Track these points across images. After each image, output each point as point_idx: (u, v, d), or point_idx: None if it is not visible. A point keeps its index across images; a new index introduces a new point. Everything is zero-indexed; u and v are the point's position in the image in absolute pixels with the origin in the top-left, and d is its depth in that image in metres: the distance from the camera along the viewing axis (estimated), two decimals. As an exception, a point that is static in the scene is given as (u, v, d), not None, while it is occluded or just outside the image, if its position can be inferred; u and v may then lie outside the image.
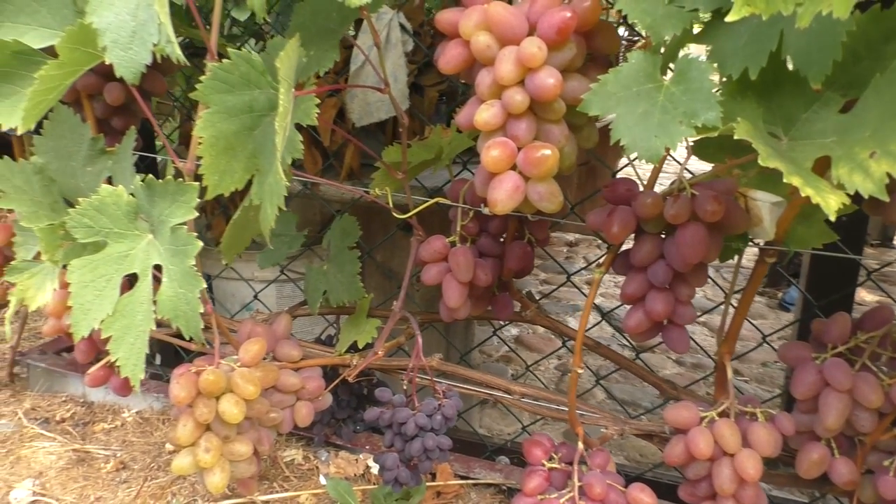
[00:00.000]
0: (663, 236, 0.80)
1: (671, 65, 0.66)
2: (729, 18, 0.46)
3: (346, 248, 1.06)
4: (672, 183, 0.81)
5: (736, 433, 0.80)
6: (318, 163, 1.34)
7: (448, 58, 0.73)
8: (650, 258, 0.80)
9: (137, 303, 0.64)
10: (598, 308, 2.44)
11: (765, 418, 0.82)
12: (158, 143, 1.62)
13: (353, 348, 1.06)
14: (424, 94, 1.35)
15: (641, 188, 0.82)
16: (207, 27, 0.67)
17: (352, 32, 1.24)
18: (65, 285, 0.85)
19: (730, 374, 0.85)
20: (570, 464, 0.93)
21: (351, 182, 1.32)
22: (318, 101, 0.68)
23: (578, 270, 1.41)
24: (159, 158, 1.43)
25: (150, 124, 1.33)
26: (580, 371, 0.90)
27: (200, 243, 0.61)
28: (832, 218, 0.51)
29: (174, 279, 0.63)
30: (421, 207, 0.93)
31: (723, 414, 0.84)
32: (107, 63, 0.62)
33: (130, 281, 0.65)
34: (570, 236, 3.43)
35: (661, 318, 0.83)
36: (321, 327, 1.54)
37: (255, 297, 1.41)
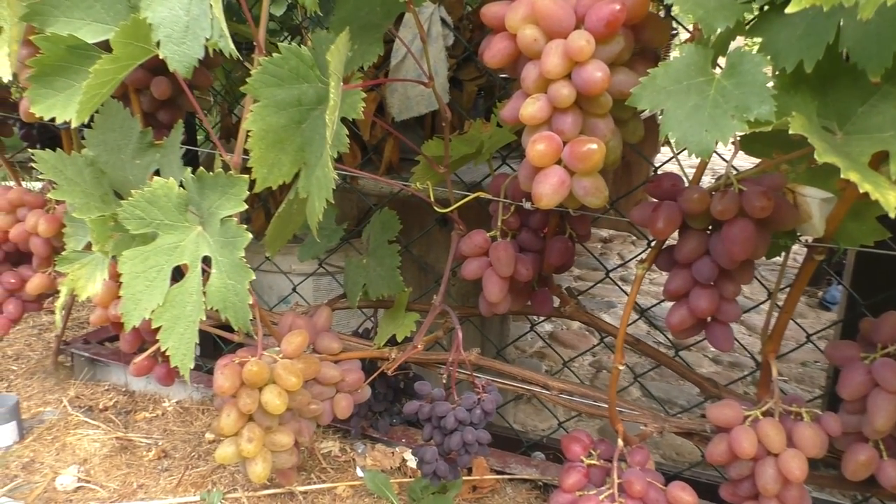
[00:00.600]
0: (709, 232, 0.79)
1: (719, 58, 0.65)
2: (790, 9, 0.45)
3: (386, 241, 1.06)
4: (718, 178, 0.79)
5: (781, 433, 0.79)
6: (358, 157, 1.34)
7: (494, 51, 0.72)
8: (695, 254, 0.79)
9: (187, 293, 0.65)
10: (634, 307, 2.42)
11: (810, 418, 0.81)
12: (199, 136, 1.64)
13: (392, 341, 1.07)
14: (463, 89, 1.35)
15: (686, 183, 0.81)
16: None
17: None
18: (113, 276, 0.87)
19: (775, 372, 0.84)
20: (609, 461, 0.92)
21: (390, 176, 1.32)
22: (364, 95, 0.69)
23: (617, 267, 1.40)
24: (200, 151, 1.45)
25: (191, 117, 1.35)
26: (621, 368, 0.89)
27: (250, 235, 0.62)
28: (892, 214, 0.50)
29: (223, 270, 0.63)
30: (462, 202, 0.93)
31: (767, 413, 0.83)
32: (160, 57, 0.63)
33: (180, 272, 0.66)
34: (605, 232, 3.41)
35: (705, 316, 0.82)
36: (357, 320, 1.55)
37: (294, 289, 1.42)
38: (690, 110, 0.60)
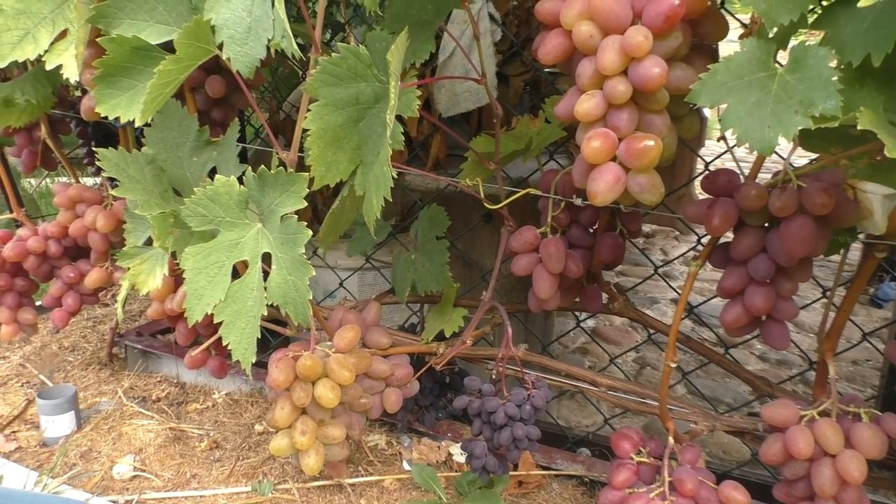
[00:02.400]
0: (765, 229, 0.78)
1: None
2: (863, 3, 0.44)
3: (435, 237, 1.07)
4: (775, 174, 0.78)
5: (839, 433, 0.78)
6: (405, 153, 1.35)
7: (548, 48, 0.72)
8: (751, 252, 0.78)
9: (248, 289, 0.66)
10: (677, 302, 2.39)
11: (869, 419, 0.79)
12: (246, 133, 1.66)
13: (439, 337, 1.07)
14: (510, 84, 1.35)
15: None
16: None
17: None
18: (171, 271, 0.89)
19: (832, 372, 0.83)
20: (659, 458, 0.92)
21: (436, 172, 1.33)
22: (419, 93, 0.69)
23: (666, 263, 1.38)
24: (249, 147, 1.47)
25: (239, 114, 1.36)
26: (673, 365, 0.88)
27: (310, 232, 0.63)
28: (966, 212, 0.48)
29: (283, 267, 0.65)
30: (513, 198, 0.93)
31: (823, 413, 0.81)
32: (224, 58, 0.65)
33: (240, 268, 0.68)
34: (647, 227, 3.36)
35: (761, 314, 0.81)
36: (401, 314, 1.56)
37: (341, 284, 1.44)
38: (752, 106, 0.59)
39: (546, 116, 1.01)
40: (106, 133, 1.48)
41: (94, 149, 1.45)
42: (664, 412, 0.92)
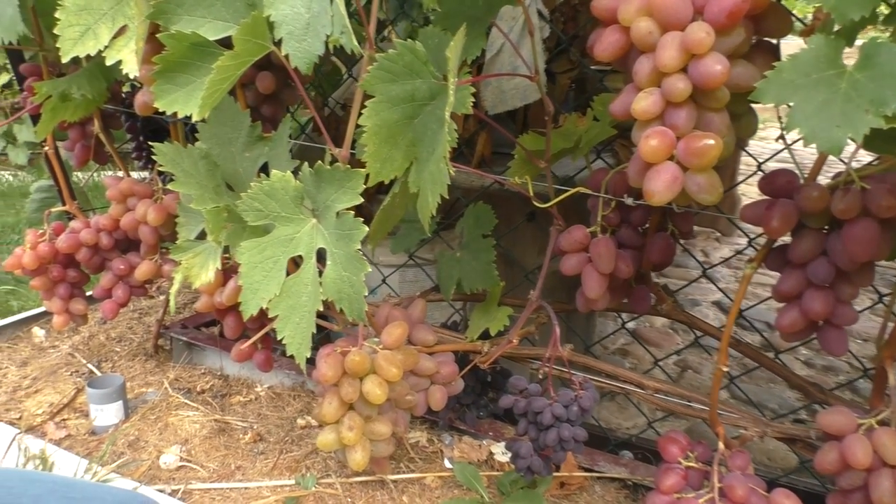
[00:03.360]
0: (825, 231, 0.76)
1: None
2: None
3: (481, 235, 1.06)
4: (836, 175, 0.76)
5: (899, 443, 0.75)
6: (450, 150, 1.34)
7: (605, 45, 0.71)
8: (811, 255, 0.76)
9: (302, 284, 0.67)
10: (719, 305, 2.35)
11: (931, 429, 0.77)
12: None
13: (484, 335, 1.07)
14: (556, 81, 1.34)
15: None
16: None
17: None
18: (221, 265, 0.91)
19: (892, 380, 0.80)
20: (707, 463, 0.90)
21: (481, 170, 1.32)
22: (473, 90, 0.69)
23: (715, 265, 1.36)
24: (293, 143, 1.48)
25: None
26: (725, 369, 0.87)
27: (366, 228, 0.63)
28: None
29: (338, 262, 0.65)
30: (562, 196, 0.92)
31: (883, 422, 0.79)
32: (282, 54, 0.65)
33: (296, 263, 0.68)
34: (686, 228, 3.31)
35: (819, 318, 0.79)
36: (439, 311, 1.55)
37: (384, 281, 1.45)
38: (820, 105, 0.58)
39: (595, 114, 1.00)
40: (155, 128, 1.50)
41: (149, 143, 1.48)
42: (714, 417, 0.91)
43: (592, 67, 1.38)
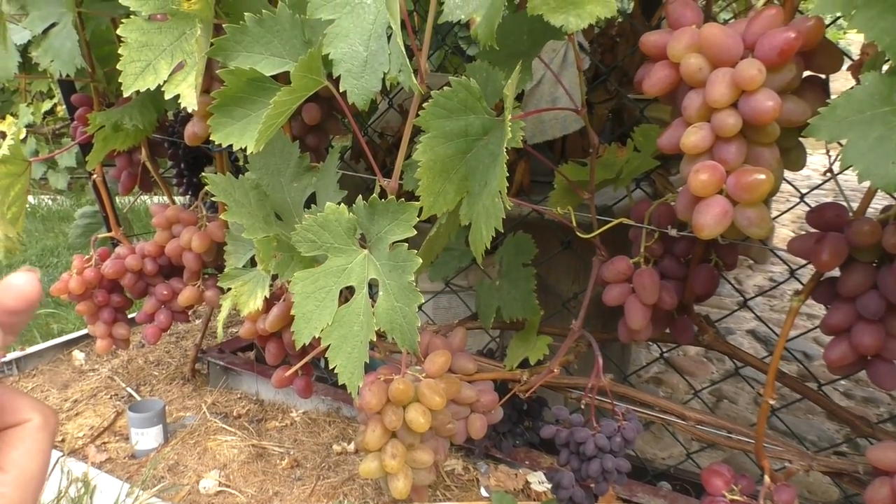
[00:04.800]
0: (875, 265, 0.76)
1: None
2: None
3: (521, 264, 1.07)
4: (885, 210, 0.76)
5: (955, 481, 0.74)
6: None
7: (654, 80, 0.72)
8: (861, 288, 0.76)
9: (354, 314, 0.68)
10: (753, 334, 2.32)
11: None
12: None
13: (523, 364, 1.07)
14: (594, 112, 1.35)
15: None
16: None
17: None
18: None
19: (945, 415, 0.79)
20: (752, 497, 0.89)
21: (519, 198, 1.33)
22: (522, 124, 0.70)
23: (753, 297, 1.35)
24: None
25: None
26: (773, 402, 0.86)
27: (420, 260, 0.64)
28: None
29: (391, 293, 0.66)
30: (606, 227, 0.92)
31: (936, 459, 0.78)
32: (340, 91, 0.67)
33: (347, 294, 0.69)
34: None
35: (869, 353, 0.79)
36: (473, 338, 1.56)
37: (420, 307, 1.45)
38: (874, 142, 0.58)
39: (635, 145, 1.00)
40: (195, 155, 1.54)
41: (193, 171, 1.52)
42: (760, 450, 0.90)
43: (631, 97, 1.39)
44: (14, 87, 3.66)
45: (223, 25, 0.76)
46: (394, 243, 0.66)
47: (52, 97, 3.64)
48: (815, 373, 1.98)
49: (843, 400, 1.92)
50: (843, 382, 1.99)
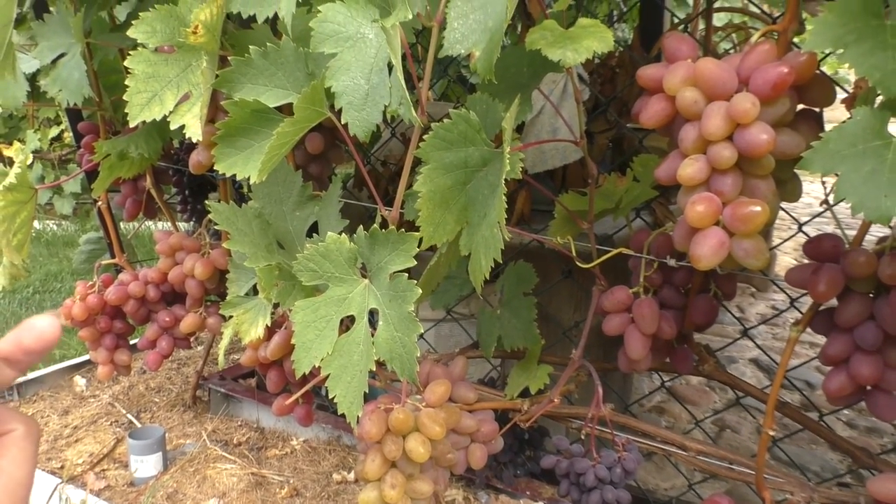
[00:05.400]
0: (872, 295, 0.76)
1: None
2: None
3: (522, 293, 1.07)
4: (880, 241, 0.77)
5: (958, 514, 0.74)
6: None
7: (651, 113, 0.73)
8: (858, 319, 0.76)
9: (354, 343, 0.68)
10: (756, 363, 2.31)
11: None
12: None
13: (523, 393, 1.07)
14: (594, 141, 1.36)
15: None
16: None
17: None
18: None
19: (946, 447, 0.79)
20: (754, 529, 0.88)
21: (520, 227, 1.34)
22: (522, 156, 0.71)
23: (755, 325, 1.35)
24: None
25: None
26: (772, 433, 0.86)
27: (420, 290, 0.65)
28: None
29: (391, 323, 0.66)
30: (605, 257, 0.93)
31: (938, 491, 0.77)
32: (342, 123, 0.68)
33: (347, 323, 0.70)
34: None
35: (867, 383, 0.79)
36: (475, 367, 1.56)
37: (421, 336, 1.46)
38: (867, 175, 0.59)
39: (635, 175, 1.01)
40: (199, 182, 1.55)
41: (196, 197, 1.53)
42: (760, 482, 0.89)
43: (629, 126, 1.40)
44: (22, 113, 3.70)
45: (228, 58, 0.77)
46: (394, 273, 0.67)
47: (59, 123, 3.69)
48: (818, 402, 1.97)
49: (846, 430, 1.91)
50: (845, 412, 1.98)
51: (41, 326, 0.32)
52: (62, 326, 0.32)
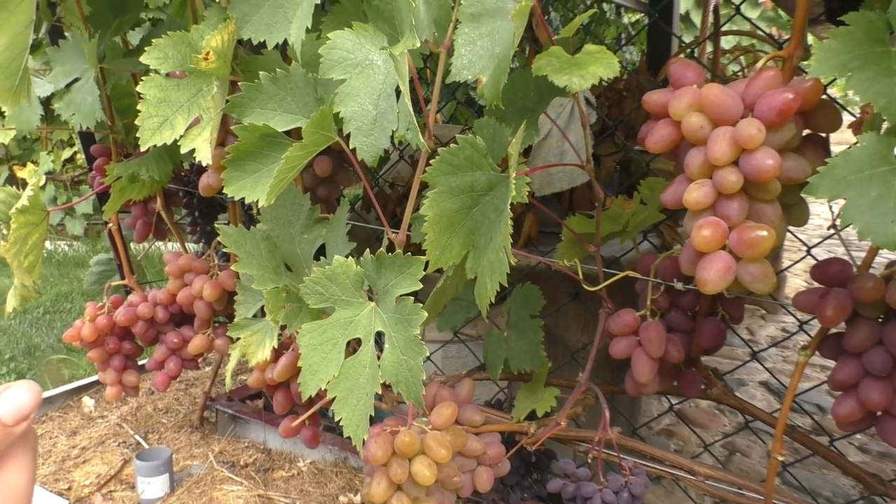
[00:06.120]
0: (881, 320, 0.76)
1: None
2: None
3: (528, 316, 1.07)
4: (889, 265, 0.76)
5: (970, 542, 0.73)
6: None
7: (657, 138, 0.74)
8: (867, 344, 0.76)
9: (360, 366, 0.68)
10: (766, 386, 2.30)
11: None
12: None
13: (530, 416, 1.07)
14: (601, 164, 1.37)
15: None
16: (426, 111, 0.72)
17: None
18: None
19: (958, 474, 0.78)
20: (763, 556, 0.87)
21: (527, 249, 1.34)
22: (528, 180, 0.71)
23: (765, 348, 1.34)
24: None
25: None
26: (781, 458, 0.85)
27: (426, 314, 0.65)
28: None
29: (397, 346, 0.67)
30: (612, 280, 0.93)
31: (949, 519, 0.76)
32: (350, 148, 0.69)
33: (354, 346, 0.70)
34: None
35: (877, 409, 0.78)
36: (482, 388, 1.55)
37: (429, 357, 1.45)
38: (874, 200, 0.59)
39: (642, 198, 1.02)
40: (209, 205, 1.56)
41: (205, 219, 1.54)
42: (770, 508, 0.88)
43: (636, 148, 1.41)
44: (35, 135, 3.75)
45: (239, 83, 0.78)
46: (400, 296, 0.67)
47: (71, 145, 3.73)
48: (829, 427, 1.95)
49: (859, 455, 1.88)
50: (858, 436, 1.96)
51: (16, 403, 0.31)
52: (41, 393, 0.32)
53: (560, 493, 0.95)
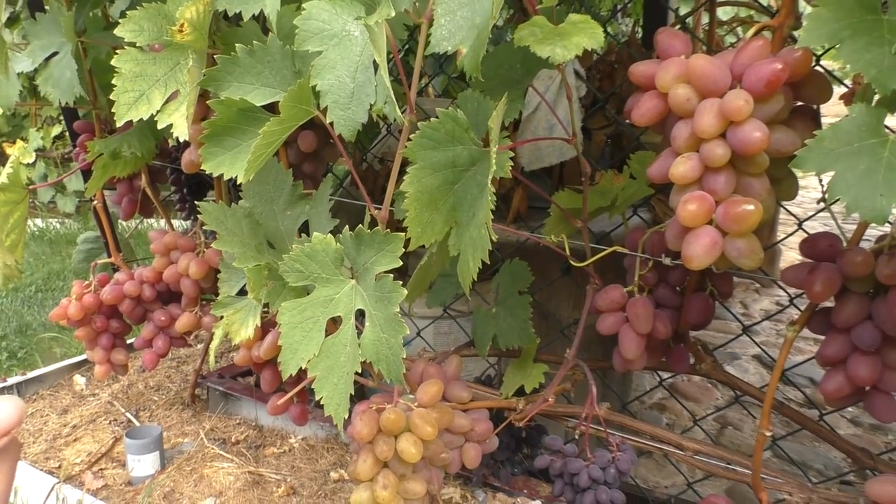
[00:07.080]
0: (870, 295, 0.75)
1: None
2: None
3: (517, 292, 1.06)
4: (879, 239, 0.75)
5: (957, 517, 0.72)
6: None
7: (642, 110, 0.72)
8: (855, 319, 0.75)
9: (341, 345, 0.67)
10: (760, 359, 2.30)
11: None
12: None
13: (519, 392, 1.06)
14: (592, 138, 1.35)
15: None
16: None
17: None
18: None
19: (945, 449, 0.77)
20: (751, 531, 0.87)
21: (517, 225, 1.33)
22: (511, 154, 0.70)
23: (757, 322, 1.34)
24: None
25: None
26: (768, 434, 0.85)
27: (405, 291, 0.64)
28: None
29: (377, 324, 0.66)
30: (599, 256, 0.92)
31: (936, 493, 0.76)
32: (327, 122, 0.67)
33: (334, 323, 0.69)
34: (724, 279, 3.26)
35: (865, 384, 0.78)
36: (473, 364, 1.55)
37: (419, 333, 1.45)
38: (862, 173, 0.57)
39: (631, 172, 1.00)
40: (198, 181, 1.54)
41: (196, 203, 1.52)
42: (757, 482, 0.88)
43: (628, 122, 1.39)
44: (25, 112, 3.71)
45: (214, 56, 0.76)
46: (380, 274, 0.66)
47: (61, 122, 3.69)
48: (820, 400, 1.95)
49: (851, 427, 1.89)
50: (850, 409, 1.97)
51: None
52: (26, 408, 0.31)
53: (548, 468, 0.95)
